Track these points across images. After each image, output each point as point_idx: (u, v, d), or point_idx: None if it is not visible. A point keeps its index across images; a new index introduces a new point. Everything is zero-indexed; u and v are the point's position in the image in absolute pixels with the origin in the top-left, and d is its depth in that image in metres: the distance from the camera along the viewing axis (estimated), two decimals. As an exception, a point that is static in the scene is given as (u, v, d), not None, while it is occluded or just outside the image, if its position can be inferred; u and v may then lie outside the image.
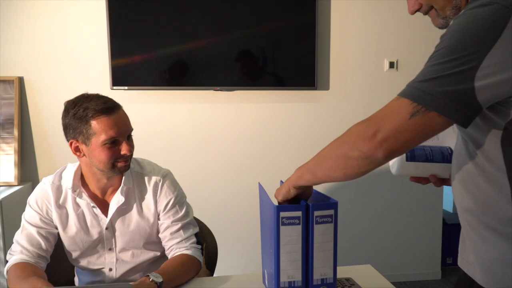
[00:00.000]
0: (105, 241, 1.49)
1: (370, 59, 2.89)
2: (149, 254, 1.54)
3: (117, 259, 1.51)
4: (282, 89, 2.81)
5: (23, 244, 1.41)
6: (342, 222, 2.83)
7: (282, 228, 1.03)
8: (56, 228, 1.46)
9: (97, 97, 1.38)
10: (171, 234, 1.50)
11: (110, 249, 1.50)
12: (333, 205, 1.06)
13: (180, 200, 1.54)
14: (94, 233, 1.47)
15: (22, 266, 1.36)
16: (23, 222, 1.45)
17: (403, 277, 3.05)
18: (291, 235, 1.04)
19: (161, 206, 1.50)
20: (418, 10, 1.00)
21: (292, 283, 1.05)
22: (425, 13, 1.00)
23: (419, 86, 0.85)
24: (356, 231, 3.00)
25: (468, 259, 0.98)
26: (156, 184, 1.51)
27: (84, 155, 1.40)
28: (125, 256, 1.52)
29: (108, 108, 1.36)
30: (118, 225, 1.48)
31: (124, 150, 1.38)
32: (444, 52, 0.84)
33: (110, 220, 1.47)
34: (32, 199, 1.46)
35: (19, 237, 1.43)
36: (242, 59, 2.71)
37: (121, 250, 1.51)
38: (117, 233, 1.49)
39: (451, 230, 3.12)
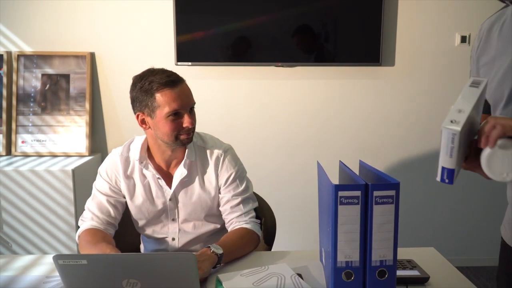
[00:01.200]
0: (168, 212, 1.55)
1: (440, 32, 2.73)
2: (209, 226, 1.59)
3: (179, 229, 1.58)
4: (344, 65, 2.74)
5: (94, 211, 1.50)
6: (405, 203, 2.77)
7: (340, 207, 1.02)
8: (124, 197, 1.55)
9: (162, 71, 1.43)
10: (231, 208, 1.53)
11: (173, 220, 1.57)
12: (395, 185, 1.03)
13: (240, 175, 1.57)
14: (159, 204, 1.54)
15: (92, 232, 1.45)
16: (94, 191, 1.55)
17: (466, 261, 2.94)
18: (349, 215, 1.02)
19: (222, 180, 1.54)
20: None
21: (350, 263, 1.04)
22: None
23: None
24: (419, 212, 2.91)
25: None
26: (217, 158, 1.54)
27: (149, 127, 1.46)
28: (187, 227, 1.58)
29: (171, 81, 1.40)
30: (181, 196, 1.54)
31: (186, 122, 1.42)
32: None
33: (174, 191, 1.53)
34: (102, 169, 1.55)
35: (90, 204, 1.53)
36: (304, 35, 2.66)
37: (184, 221, 1.57)
38: (180, 205, 1.55)
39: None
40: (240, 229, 1.50)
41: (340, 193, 1.01)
